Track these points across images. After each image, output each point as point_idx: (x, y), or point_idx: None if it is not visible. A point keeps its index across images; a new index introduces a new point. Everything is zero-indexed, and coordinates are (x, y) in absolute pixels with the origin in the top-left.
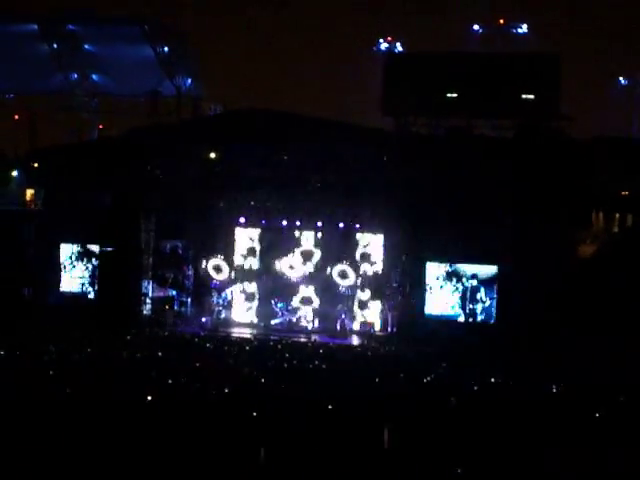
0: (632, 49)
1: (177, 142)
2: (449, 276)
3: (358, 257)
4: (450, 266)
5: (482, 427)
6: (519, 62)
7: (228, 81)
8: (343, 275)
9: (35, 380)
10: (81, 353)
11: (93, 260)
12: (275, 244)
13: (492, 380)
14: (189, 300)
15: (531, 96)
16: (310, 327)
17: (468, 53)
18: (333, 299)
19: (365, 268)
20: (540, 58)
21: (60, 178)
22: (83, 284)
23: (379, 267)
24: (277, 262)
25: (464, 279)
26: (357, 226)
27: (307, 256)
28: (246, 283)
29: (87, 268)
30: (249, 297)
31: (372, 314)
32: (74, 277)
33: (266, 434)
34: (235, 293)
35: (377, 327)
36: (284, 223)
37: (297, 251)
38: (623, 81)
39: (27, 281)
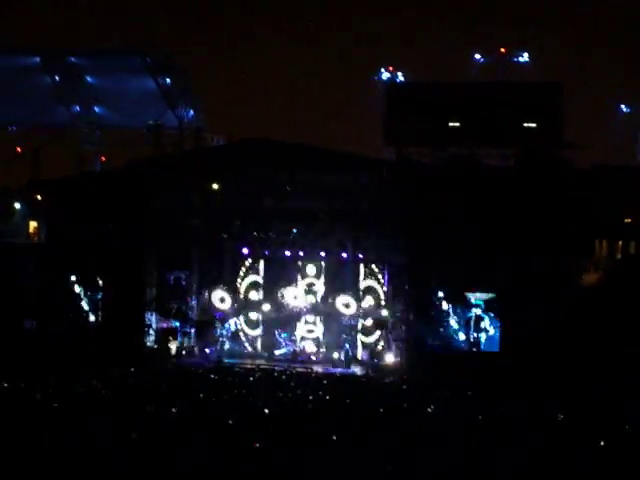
0: (634, 76)
1: (179, 173)
2: (453, 305)
3: (362, 287)
4: (454, 295)
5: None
6: (521, 90)
7: (230, 112)
8: (347, 305)
9: (38, 412)
10: (84, 385)
11: (96, 292)
12: (278, 275)
13: (496, 408)
14: (193, 331)
15: (533, 124)
16: (314, 357)
17: (470, 82)
18: (337, 329)
19: (369, 298)
20: (542, 86)
21: (63, 210)
22: (86, 316)
23: (383, 297)
24: (280, 292)
25: (468, 308)
26: (360, 256)
27: (310, 286)
28: (250, 314)
29: (90, 300)
30: (253, 328)
31: (376, 344)
32: (77, 309)
33: (270, 465)
34: (239, 324)
35: (381, 357)
36: (287, 254)
37: (300, 281)
38: (625, 109)
39: (29, 313)
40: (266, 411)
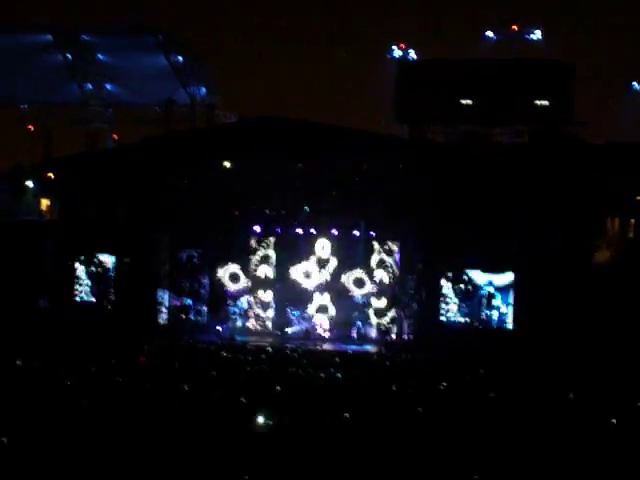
0: None
1: (192, 151)
2: (465, 283)
3: (374, 265)
4: (466, 273)
5: (499, 434)
6: (533, 68)
7: (242, 89)
8: (359, 283)
9: (52, 390)
10: (97, 363)
11: (109, 270)
12: (290, 252)
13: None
14: (205, 309)
15: (545, 102)
16: (326, 335)
17: (482, 60)
18: (349, 307)
19: (381, 276)
20: (554, 64)
21: (75, 188)
22: (99, 294)
23: (395, 275)
24: (292, 270)
25: (480, 286)
26: (372, 234)
27: (322, 264)
28: (262, 291)
29: (103, 278)
30: (265, 305)
31: (388, 321)
32: (90, 287)
33: (282, 443)
34: (251, 301)
35: (393, 335)
36: (299, 231)
37: (312, 259)
38: (637, 86)
39: (43, 291)
40: (278, 388)
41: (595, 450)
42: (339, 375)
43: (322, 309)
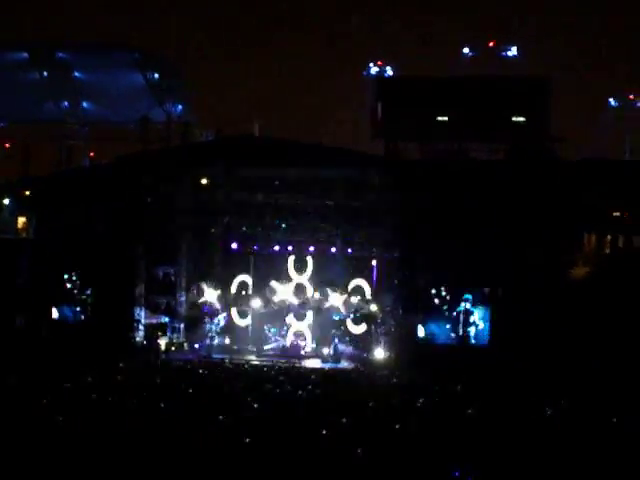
0: (622, 71)
1: (168, 168)
2: (442, 299)
3: (351, 282)
4: (443, 289)
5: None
6: (509, 84)
7: (218, 107)
8: (336, 300)
9: (27, 408)
10: (74, 381)
11: (85, 287)
12: (267, 270)
13: (486, 403)
14: (182, 326)
15: (522, 118)
16: (303, 352)
17: (458, 76)
18: (326, 324)
19: (358, 293)
20: (530, 80)
21: (51, 206)
22: (75, 312)
23: (372, 292)
24: (269, 287)
25: (457, 302)
26: (349, 250)
27: (300, 281)
28: (239, 309)
29: (79, 296)
30: (242, 323)
31: (365, 338)
32: (67, 305)
33: (261, 460)
34: (228, 319)
35: (370, 352)
36: (276, 249)
37: (290, 276)
38: (613, 103)
39: (20, 309)
40: (255, 406)
41: (574, 464)
42: (317, 392)
43: (299, 326)
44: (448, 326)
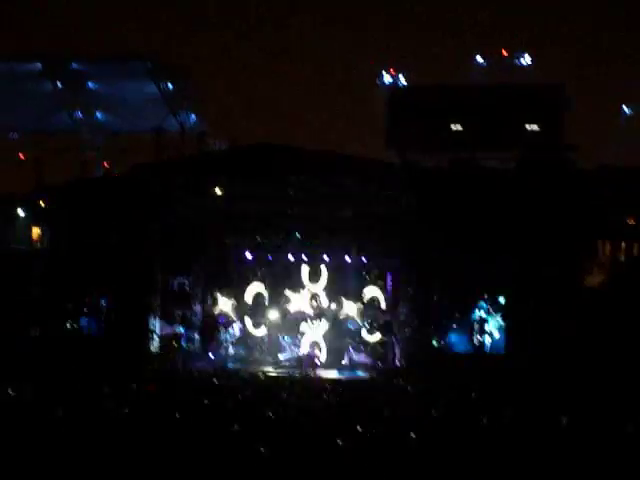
0: (637, 78)
1: (183, 178)
2: (457, 308)
3: (366, 291)
4: (458, 298)
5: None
6: (522, 92)
7: (233, 116)
8: (351, 309)
9: (43, 418)
10: (90, 391)
11: (100, 298)
12: (282, 279)
13: (502, 412)
14: (197, 337)
15: (535, 127)
16: (318, 362)
17: (471, 85)
18: (340, 333)
19: (373, 302)
20: (544, 88)
21: (66, 216)
22: (91, 322)
23: (387, 300)
24: (284, 297)
25: (472, 311)
26: (364, 260)
27: (314, 291)
28: (254, 319)
29: (94, 306)
30: (257, 333)
31: (380, 348)
32: (82, 315)
33: (276, 470)
34: (243, 329)
35: (385, 361)
36: (291, 258)
37: (304, 286)
38: (627, 110)
39: (35, 320)
40: (271, 416)
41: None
42: (332, 401)
43: (314, 336)
44: (463, 335)
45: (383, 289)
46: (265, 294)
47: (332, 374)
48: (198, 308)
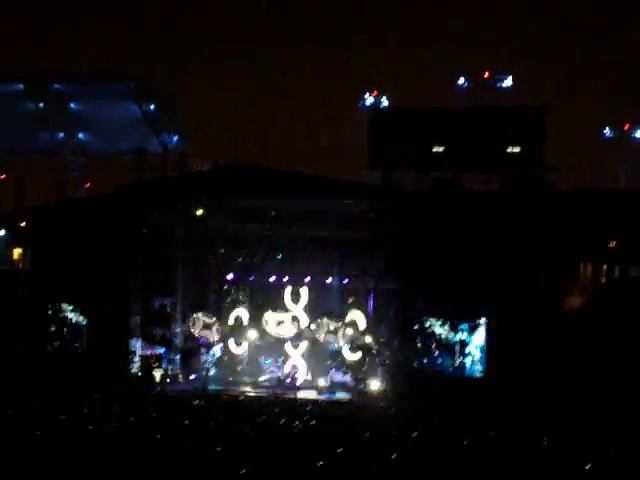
0: (616, 101)
1: (164, 199)
2: (437, 330)
3: (347, 312)
4: (438, 320)
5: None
6: (504, 115)
7: (214, 138)
8: (332, 331)
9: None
10: (70, 411)
11: (81, 318)
12: (263, 300)
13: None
14: (177, 358)
15: (517, 149)
16: (298, 383)
17: (454, 107)
18: (321, 354)
19: (354, 323)
20: (525, 110)
21: (47, 237)
22: (71, 341)
23: (368, 322)
24: (265, 318)
25: (452, 333)
26: (345, 281)
27: (295, 312)
28: (235, 340)
29: (75, 326)
30: (237, 354)
31: (361, 369)
32: (63, 335)
33: None
34: (224, 350)
35: (366, 382)
36: (272, 279)
37: (285, 307)
38: (608, 132)
39: (17, 339)
40: (252, 437)
41: None
42: (312, 423)
43: (295, 357)
44: (444, 357)
45: (364, 310)
46: (246, 315)
47: (312, 395)
48: (178, 329)
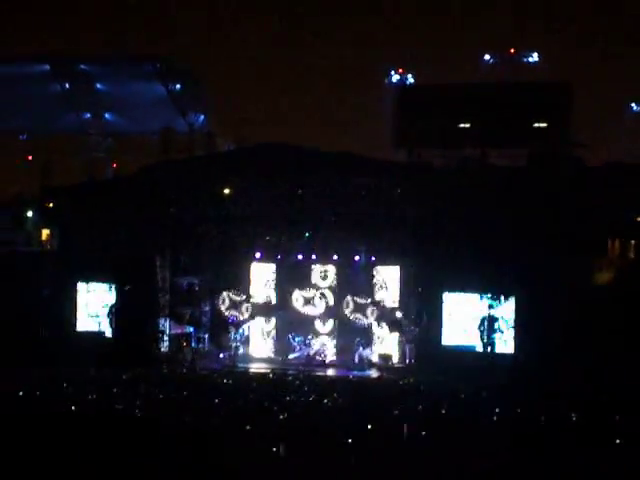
0: None
1: (191, 179)
2: (466, 307)
3: (375, 290)
4: (467, 296)
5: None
6: (530, 91)
7: (241, 116)
8: (360, 308)
9: (55, 420)
10: (100, 391)
11: (110, 299)
12: (291, 278)
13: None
14: (206, 336)
15: (543, 124)
16: (328, 361)
17: (480, 83)
18: (350, 332)
19: (382, 301)
20: (551, 86)
21: (75, 218)
22: (100, 323)
23: (396, 299)
24: (293, 296)
25: (481, 309)
26: (373, 259)
27: (323, 290)
28: (263, 318)
29: (104, 307)
30: (266, 332)
31: (390, 346)
32: (91, 316)
33: (286, 468)
34: (252, 328)
35: (395, 359)
36: (300, 257)
37: (313, 285)
38: (635, 107)
39: (44, 320)
40: (281, 415)
41: (598, 469)
42: (341, 400)
43: (324, 335)
44: (472, 333)
45: (392, 287)
46: (274, 293)
47: (342, 372)
48: (207, 308)
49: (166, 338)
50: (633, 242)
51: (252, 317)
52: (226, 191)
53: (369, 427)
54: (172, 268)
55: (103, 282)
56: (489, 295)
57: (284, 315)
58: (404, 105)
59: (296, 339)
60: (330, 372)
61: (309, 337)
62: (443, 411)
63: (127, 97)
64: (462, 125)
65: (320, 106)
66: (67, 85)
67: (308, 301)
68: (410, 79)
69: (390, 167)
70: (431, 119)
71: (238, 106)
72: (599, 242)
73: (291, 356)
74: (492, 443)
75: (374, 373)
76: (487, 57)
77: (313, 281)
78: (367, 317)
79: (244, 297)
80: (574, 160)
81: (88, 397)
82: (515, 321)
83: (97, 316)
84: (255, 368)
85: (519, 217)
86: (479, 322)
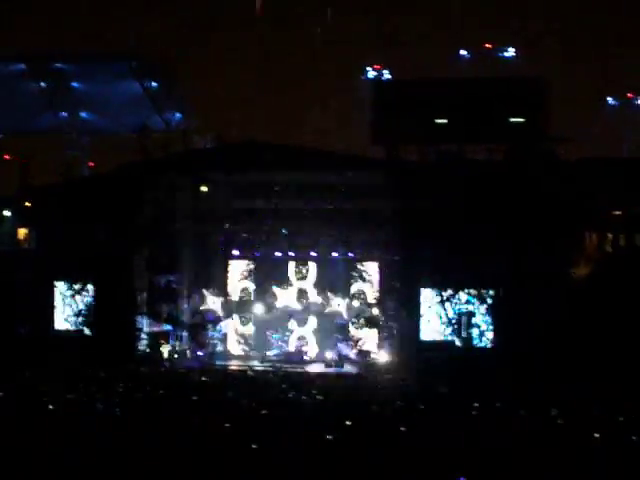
0: (620, 69)
1: (168, 176)
2: (444, 302)
3: (353, 286)
4: (445, 292)
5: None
6: (507, 85)
7: (218, 113)
8: (338, 304)
9: (34, 420)
10: (77, 390)
11: (87, 297)
12: (269, 275)
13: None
14: (184, 334)
15: (520, 119)
16: (306, 358)
17: (456, 78)
18: (329, 329)
19: (361, 297)
20: (528, 81)
21: (52, 216)
22: (77, 321)
23: (374, 295)
24: (271, 293)
25: (459, 304)
26: (351, 255)
27: (302, 287)
28: (241, 315)
29: (81, 305)
30: (245, 329)
31: (368, 342)
32: (69, 315)
33: (266, 466)
34: (230, 326)
35: (374, 355)
36: (278, 254)
37: (291, 282)
38: (612, 101)
39: (22, 320)
40: (260, 412)
41: (578, 465)
42: (320, 397)
43: (302, 331)
44: (451, 329)
45: (370, 283)
46: (252, 290)
47: (320, 369)
48: (185, 305)
49: (144, 336)
50: (610, 235)
51: (230, 315)
52: (203, 188)
53: (348, 423)
54: (149, 266)
55: (81, 281)
56: (467, 290)
57: (262, 312)
58: (380, 101)
59: (274, 336)
60: (309, 369)
61: (287, 334)
62: (422, 407)
63: (103, 95)
64: (439, 121)
65: (296, 103)
66: (43, 84)
67: (286, 298)
68: (386, 75)
69: (367, 162)
70: (407, 115)
71: (215, 104)
72: (576, 235)
73: (270, 353)
74: (472, 438)
75: (353, 370)
76: (463, 52)
77: (291, 278)
78: (345, 313)
79: (222, 295)
80: (550, 154)
81: (67, 396)
82: (493, 316)
83: (75, 315)
84: (234, 365)
85: (496, 212)
86: (457, 317)
